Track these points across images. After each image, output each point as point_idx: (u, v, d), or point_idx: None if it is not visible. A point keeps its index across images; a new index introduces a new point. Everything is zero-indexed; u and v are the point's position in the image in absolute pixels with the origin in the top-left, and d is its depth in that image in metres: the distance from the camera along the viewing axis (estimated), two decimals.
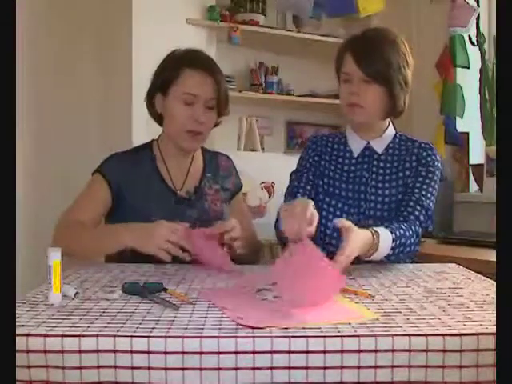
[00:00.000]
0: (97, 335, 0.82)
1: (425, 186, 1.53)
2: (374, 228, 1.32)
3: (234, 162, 1.73)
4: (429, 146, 1.59)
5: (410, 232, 1.42)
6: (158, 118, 1.60)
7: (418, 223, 1.47)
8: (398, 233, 1.37)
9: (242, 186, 1.73)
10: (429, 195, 1.53)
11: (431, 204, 1.53)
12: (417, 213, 1.49)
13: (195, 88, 1.50)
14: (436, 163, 1.56)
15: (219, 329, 0.86)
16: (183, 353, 0.81)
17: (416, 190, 1.52)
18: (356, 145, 1.61)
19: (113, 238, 1.37)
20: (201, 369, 0.81)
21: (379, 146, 1.60)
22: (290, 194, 1.62)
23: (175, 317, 0.92)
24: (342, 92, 1.55)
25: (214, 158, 1.68)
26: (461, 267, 1.41)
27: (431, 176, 1.54)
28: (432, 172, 1.55)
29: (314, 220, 1.14)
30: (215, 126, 1.62)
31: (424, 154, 1.57)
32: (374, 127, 1.59)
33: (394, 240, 1.34)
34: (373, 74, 1.48)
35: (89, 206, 1.50)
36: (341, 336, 0.82)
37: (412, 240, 1.41)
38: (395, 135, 1.62)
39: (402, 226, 1.41)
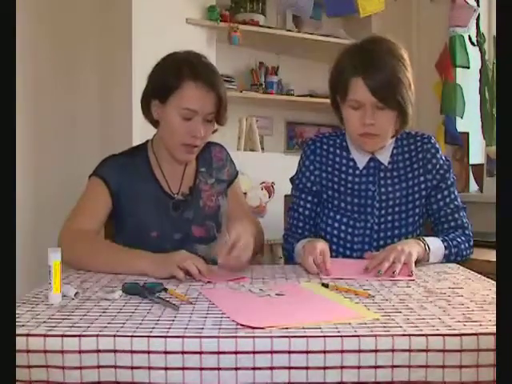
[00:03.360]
0: (97, 335, 0.82)
1: (452, 189, 1.55)
2: (426, 240, 1.41)
3: (234, 161, 1.70)
4: (431, 145, 1.55)
5: (463, 238, 1.50)
6: (154, 122, 1.54)
7: (466, 225, 1.54)
8: (451, 243, 1.46)
9: (237, 173, 1.68)
10: (457, 195, 1.56)
11: (460, 201, 1.57)
12: (463, 218, 1.54)
13: (196, 104, 1.43)
14: (444, 161, 1.56)
15: (219, 329, 0.86)
16: (183, 352, 0.81)
17: (448, 200, 1.54)
18: (360, 157, 1.55)
19: (129, 264, 1.30)
20: (201, 369, 0.81)
21: (384, 157, 1.54)
22: (293, 210, 1.61)
23: (175, 317, 0.92)
24: (352, 121, 1.44)
25: (206, 150, 1.62)
26: (461, 267, 1.41)
27: (447, 175, 1.55)
28: (447, 171, 1.55)
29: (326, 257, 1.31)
30: (212, 133, 1.57)
31: (429, 155, 1.54)
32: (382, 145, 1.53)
33: (446, 248, 1.44)
34: (390, 102, 1.40)
35: (92, 213, 1.47)
36: (341, 336, 0.82)
37: (467, 245, 1.50)
38: (396, 138, 1.57)
39: (457, 234, 1.50)
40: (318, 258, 1.29)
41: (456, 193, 1.56)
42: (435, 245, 1.42)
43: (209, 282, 1.21)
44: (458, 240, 1.48)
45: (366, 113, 1.41)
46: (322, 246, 1.34)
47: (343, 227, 1.53)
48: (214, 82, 1.46)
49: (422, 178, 1.54)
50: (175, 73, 1.45)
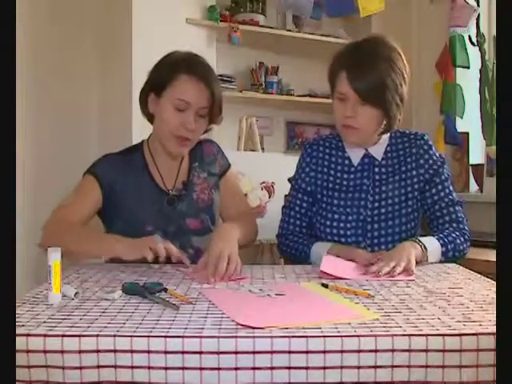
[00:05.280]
0: (97, 335, 0.82)
1: (446, 184, 1.57)
2: (423, 241, 1.43)
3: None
4: (424, 142, 1.59)
5: (458, 233, 1.50)
6: (150, 117, 1.58)
7: (461, 219, 1.55)
8: (447, 239, 1.47)
9: (229, 165, 1.70)
10: (452, 190, 1.58)
11: (456, 196, 1.59)
12: (458, 213, 1.55)
13: (189, 95, 1.48)
14: (438, 156, 1.59)
15: (219, 329, 0.86)
16: (183, 352, 0.81)
17: (442, 194, 1.56)
18: (354, 153, 1.60)
19: (103, 246, 1.35)
20: (201, 368, 0.81)
21: (378, 152, 1.59)
22: (289, 208, 1.65)
23: (175, 317, 0.92)
24: (337, 112, 1.51)
25: (198, 146, 1.64)
26: (461, 267, 1.41)
27: (441, 171, 1.57)
28: (440, 166, 1.58)
29: None
30: (205, 132, 1.60)
31: (421, 151, 1.58)
32: (370, 139, 1.57)
33: (442, 245, 1.45)
34: (369, 98, 1.44)
35: (79, 207, 1.49)
36: (341, 336, 0.82)
37: (462, 239, 1.50)
38: (390, 135, 1.61)
39: (451, 229, 1.51)
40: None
41: (451, 188, 1.58)
42: (432, 245, 1.44)
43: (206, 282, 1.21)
44: (453, 235, 1.49)
45: (347, 105, 1.47)
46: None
47: (335, 223, 1.55)
48: (208, 77, 1.51)
49: (414, 172, 1.57)
50: (172, 68, 1.51)
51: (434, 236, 1.48)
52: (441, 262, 1.46)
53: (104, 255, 1.37)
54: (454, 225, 1.53)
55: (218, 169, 1.67)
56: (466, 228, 1.54)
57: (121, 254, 1.30)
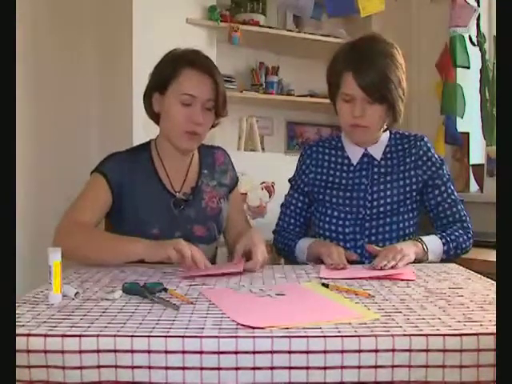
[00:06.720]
0: (97, 335, 0.82)
1: (448, 184, 1.60)
2: (424, 240, 1.46)
3: (234, 161, 1.72)
4: (423, 143, 1.61)
5: (461, 231, 1.54)
6: (156, 117, 1.58)
7: (464, 217, 1.58)
8: (449, 238, 1.51)
9: (238, 180, 1.72)
10: (454, 190, 1.61)
11: (457, 195, 1.62)
12: (461, 212, 1.59)
13: (193, 89, 1.48)
14: (437, 158, 1.62)
15: (219, 329, 0.86)
16: (183, 352, 0.81)
17: (445, 195, 1.59)
18: (354, 152, 1.62)
19: (124, 250, 1.33)
20: (201, 368, 0.81)
21: (377, 152, 1.61)
22: (285, 207, 1.70)
23: (175, 317, 0.93)
24: (344, 113, 1.52)
25: (209, 153, 1.67)
26: (461, 267, 1.41)
27: (441, 172, 1.60)
28: (440, 168, 1.60)
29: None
30: (213, 126, 1.60)
31: (421, 152, 1.60)
32: (375, 135, 1.59)
33: (444, 244, 1.49)
34: (378, 97, 1.46)
35: (90, 207, 1.48)
36: (341, 336, 0.82)
37: (465, 237, 1.54)
38: (389, 136, 1.63)
39: (455, 227, 1.55)
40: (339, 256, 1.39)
41: (452, 187, 1.61)
42: (433, 243, 1.47)
43: (199, 275, 1.22)
44: (456, 234, 1.53)
45: (356, 106, 1.48)
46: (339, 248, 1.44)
47: (334, 220, 1.58)
48: (210, 69, 1.51)
49: (412, 172, 1.59)
50: (174, 64, 1.51)
51: (436, 235, 1.51)
52: (442, 260, 1.49)
53: (122, 258, 1.33)
54: (458, 224, 1.57)
55: (229, 181, 1.68)
56: (470, 226, 1.58)
57: (144, 255, 1.29)
